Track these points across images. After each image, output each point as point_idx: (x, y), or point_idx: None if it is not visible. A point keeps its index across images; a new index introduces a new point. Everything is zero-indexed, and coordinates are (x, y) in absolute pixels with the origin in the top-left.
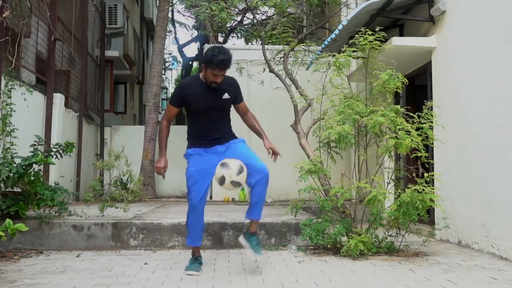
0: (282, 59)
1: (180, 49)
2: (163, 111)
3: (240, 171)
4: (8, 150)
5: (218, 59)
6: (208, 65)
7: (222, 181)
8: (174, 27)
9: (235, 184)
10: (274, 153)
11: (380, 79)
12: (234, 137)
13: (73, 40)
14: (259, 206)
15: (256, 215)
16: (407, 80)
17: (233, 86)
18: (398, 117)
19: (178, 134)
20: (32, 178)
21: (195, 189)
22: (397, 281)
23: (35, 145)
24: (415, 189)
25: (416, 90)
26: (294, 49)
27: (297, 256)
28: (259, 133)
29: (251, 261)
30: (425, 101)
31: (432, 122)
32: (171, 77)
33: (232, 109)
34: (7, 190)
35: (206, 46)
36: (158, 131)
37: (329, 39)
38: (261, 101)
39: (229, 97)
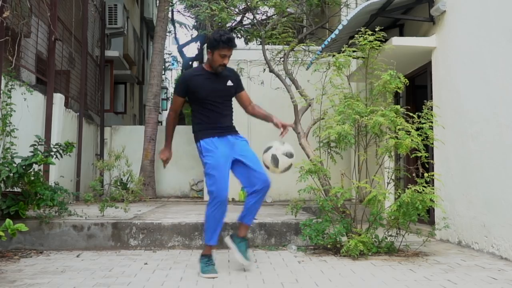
0: (282, 59)
1: (180, 49)
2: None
3: (282, 144)
4: (8, 150)
5: (226, 37)
6: (215, 47)
7: (275, 161)
8: (174, 27)
9: (289, 154)
10: (284, 127)
11: (381, 79)
12: (236, 131)
13: (73, 40)
14: (255, 212)
15: (249, 220)
16: (407, 81)
17: (234, 75)
18: (398, 117)
19: (179, 134)
20: (32, 178)
21: (220, 182)
22: (397, 281)
23: (35, 145)
24: (415, 189)
25: (416, 90)
26: (294, 49)
27: (297, 256)
28: (266, 116)
29: (251, 261)
30: (425, 101)
31: (432, 122)
32: (171, 77)
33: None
34: (7, 190)
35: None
36: (166, 123)
37: (329, 39)
38: (261, 101)
39: (232, 84)
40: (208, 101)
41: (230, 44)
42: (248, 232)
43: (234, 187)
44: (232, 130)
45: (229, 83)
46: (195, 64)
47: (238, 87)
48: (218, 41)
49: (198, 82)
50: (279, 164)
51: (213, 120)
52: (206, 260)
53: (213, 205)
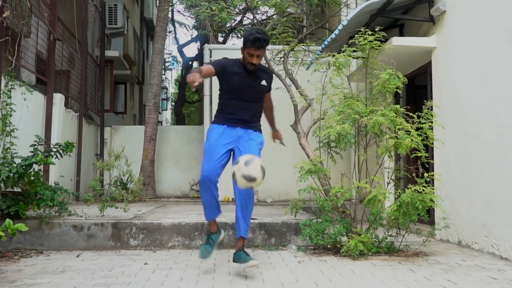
0: (282, 59)
1: (180, 49)
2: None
3: (248, 163)
4: (8, 150)
5: (254, 37)
6: (244, 45)
7: (233, 176)
8: (174, 27)
9: (247, 178)
10: (275, 138)
11: (381, 79)
12: (258, 129)
13: (74, 40)
14: (242, 221)
15: (243, 232)
16: (406, 80)
17: (269, 75)
18: (398, 117)
19: (178, 134)
20: (32, 178)
21: (206, 162)
22: (397, 281)
23: (35, 145)
24: (415, 189)
25: (416, 90)
26: (294, 49)
27: (297, 256)
28: (270, 124)
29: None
30: (425, 101)
31: (432, 122)
32: (171, 77)
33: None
34: (7, 190)
35: (206, 46)
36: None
37: (329, 39)
38: None
39: (266, 84)
40: (234, 91)
41: (256, 44)
42: (243, 243)
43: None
44: (246, 124)
45: (263, 82)
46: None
47: (269, 86)
48: (246, 39)
49: (234, 72)
50: (236, 181)
51: (230, 110)
52: (206, 239)
53: (200, 184)
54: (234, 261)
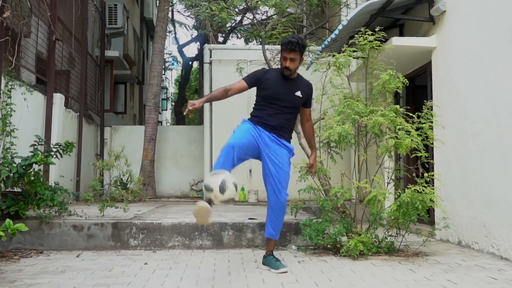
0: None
1: (180, 49)
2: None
3: (222, 188)
4: (8, 150)
5: (287, 40)
6: (280, 49)
7: (210, 202)
8: (174, 27)
9: (227, 201)
10: (311, 169)
11: (381, 79)
12: (288, 139)
13: (73, 40)
14: (273, 225)
15: (268, 234)
16: (407, 81)
17: (308, 89)
18: (398, 117)
19: (178, 134)
20: (32, 178)
21: (233, 137)
22: (397, 281)
23: (35, 145)
24: (415, 189)
25: (416, 90)
26: None
27: (297, 256)
28: (311, 145)
29: (251, 261)
30: (425, 101)
31: (432, 122)
32: (171, 77)
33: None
34: (7, 190)
35: (206, 46)
36: (217, 90)
37: (329, 39)
38: None
39: (301, 96)
40: (268, 99)
41: (289, 47)
42: (274, 246)
43: None
44: (275, 131)
45: (298, 93)
46: (195, 64)
47: (306, 103)
48: (281, 43)
49: (269, 80)
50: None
51: (262, 116)
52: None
53: (222, 149)
54: (263, 264)
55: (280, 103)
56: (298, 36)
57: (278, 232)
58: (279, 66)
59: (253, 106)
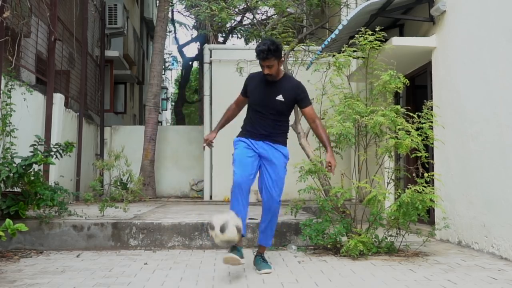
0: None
1: (180, 49)
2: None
3: (222, 229)
4: (8, 150)
5: (258, 49)
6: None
7: (212, 241)
8: (174, 27)
9: (226, 242)
10: (331, 166)
11: (381, 80)
12: (283, 143)
13: (73, 40)
14: (266, 234)
15: (262, 241)
16: (408, 81)
17: (292, 90)
18: (398, 117)
19: (178, 134)
20: (32, 178)
21: (238, 167)
22: (397, 281)
23: (35, 145)
24: (415, 189)
25: (416, 90)
26: (294, 49)
27: (297, 256)
28: (324, 144)
29: (251, 261)
30: (425, 101)
31: (432, 122)
32: (171, 77)
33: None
34: (7, 190)
35: (206, 46)
36: (226, 110)
37: (329, 39)
38: None
39: (283, 100)
40: (254, 106)
41: (261, 56)
42: (264, 250)
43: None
44: (268, 139)
45: (280, 97)
46: (195, 64)
47: (299, 104)
48: (255, 52)
49: (253, 85)
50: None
51: (251, 126)
52: (231, 248)
53: (232, 189)
54: (253, 263)
55: (264, 110)
56: (269, 40)
57: (271, 239)
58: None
59: (246, 113)
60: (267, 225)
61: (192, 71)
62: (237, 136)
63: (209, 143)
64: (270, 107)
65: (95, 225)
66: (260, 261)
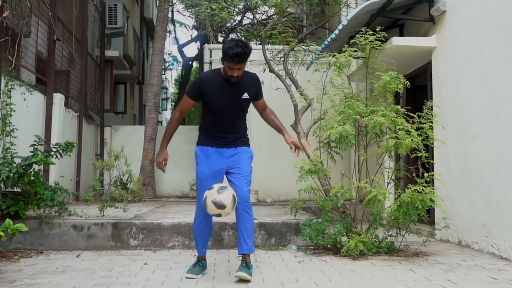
0: (282, 59)
1: (180, 49)
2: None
3: (221, 190)
4: (8, 150)
5: (233, 52)
6: (224, 57)
7: (204, 201)
8: (174, 27)
9: (217, 204)
10: (297, 148)
11: (382, 80)
12: (246, 143)
13: (73, 40)
14: (244, 237)
15: (243, 248)
16: (409, 83)
17: (253, 84)
18: (399, 117)
19: (179, 134)
20: (32, 178)
21: (201, 192)
22: (397, 281)
23: (35, 145)
24: (415, 189)
25: (416, 90)
26: (294, 49)
27: (297, 256)
28: (278, 128)
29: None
30: (425, 101)
31: (432, 122)
32: (171, 77)
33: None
34: (7, 190)
35: (206, 46)
36: (168, 122)
37: (329, 39)
38: None
39: (248, 97)
40: (217, 112)
41: (235, 60)
42: (248, 258)
43: None
44: (234, 143)
45: (245, 95)
46: (195, 64)
47: (255, 97)
48: (225, 54)
49: (212, 87)
50: (206, 207)
51: (215, 133)
52: (196, 261)
53: (197, 211)
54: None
55: (229, 113)
56: (240, 41)
57: (252, 244)
58: (221, 70)
59: (203, 116)
60: (247, 223)
61: (192, 71)
62: (199, 144)
63: (165, 165)
64: (237, 106)
65: (95, 225)
66: (240, 266)
